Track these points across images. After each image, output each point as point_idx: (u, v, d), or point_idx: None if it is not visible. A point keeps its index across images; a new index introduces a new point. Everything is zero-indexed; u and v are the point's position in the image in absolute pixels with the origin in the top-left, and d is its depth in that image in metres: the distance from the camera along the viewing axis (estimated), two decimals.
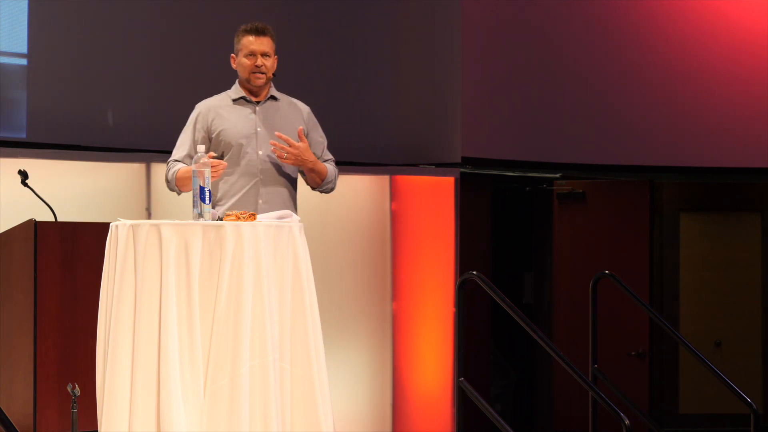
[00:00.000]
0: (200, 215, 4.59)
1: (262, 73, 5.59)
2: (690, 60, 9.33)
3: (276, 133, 5.51)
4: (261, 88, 5.64)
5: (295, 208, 5.64)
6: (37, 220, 5.46)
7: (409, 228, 8.31)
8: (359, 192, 8.14)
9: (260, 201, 5.52)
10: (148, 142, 7.41)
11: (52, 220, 5.70)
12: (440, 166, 8.56)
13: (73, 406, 5.14)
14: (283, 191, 5.62)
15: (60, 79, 7.30)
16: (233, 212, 4.63)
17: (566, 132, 9.14)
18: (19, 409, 5.42)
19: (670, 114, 9.31)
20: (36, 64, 7.25)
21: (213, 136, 5.59)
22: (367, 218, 8.09)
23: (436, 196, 8.43)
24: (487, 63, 8.86)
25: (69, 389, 5.15)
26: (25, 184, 5.81)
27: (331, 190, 5.77)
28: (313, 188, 5.73)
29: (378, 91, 8.56)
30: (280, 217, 4.76)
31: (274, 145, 5.48)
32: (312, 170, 5.59)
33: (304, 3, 8.16)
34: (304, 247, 4.69)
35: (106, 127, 7.46)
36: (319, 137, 5.76)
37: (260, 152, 5.55)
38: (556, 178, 9.36)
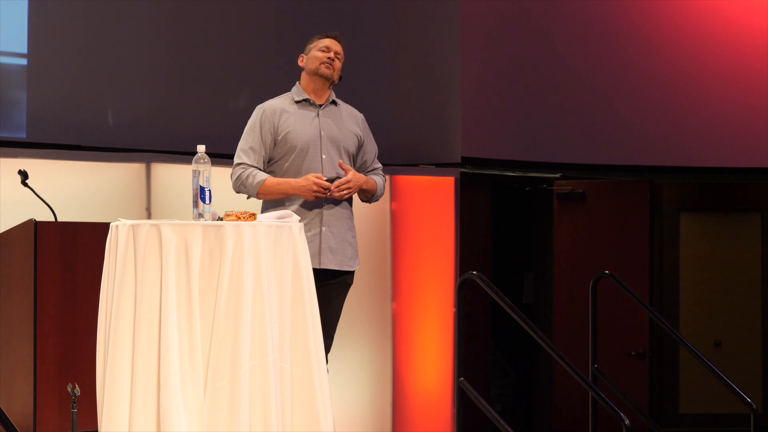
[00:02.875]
0: (200, 215, 4.59)
1: (331, 66, 5.69)
2: (690, 60, 9.33)
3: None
4: (324, 87, 5.72)
5: (351, 208, 5.77)
6: (37, 220, 5.46)
7: (409, 228, 8.31)
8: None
9: (325, 204, 5.59)
10: (148, 142, 7.41)
11: (52, 220, 5.69)
12: (440, 166, 8.56)
13: (73, 406, 5.14)
14: None
15: (60, 79, 7.30)
16: (233, 212, 4.63)
17: (566, 132, 9.14)
18: (19, 409, 5.42)
19: (670, 114, 9.31)
20: (36, 64, 7.25)
21: (279, 138, 5.64)
22: (367, 218, 8.09)
23: (436, 196, 8.43)
24: (488, 63, 8.86)
25: (69, 389, 5.15)
26: (25, 184, 5.81)
27: (379, 198, 5.91)
28: (364, 201, 5.84)
29: (378, 91, 8.56)
30: (280, 217, 4.76)
31: (338, 188, 5.58)
32: (363, 191, 5.75)
33: (304, 3, 8.16)
34: (304, 247, 4.69)
35: (106, 127, 7.46)
36: (371, 145, 5.86)
37: (324, 156, 5.60)
38: (556, 178, 9.36)
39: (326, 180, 5.58)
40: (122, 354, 4.41)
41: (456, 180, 8.46)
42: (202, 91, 7.76)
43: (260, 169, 5.62)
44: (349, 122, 5.81)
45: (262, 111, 5.69)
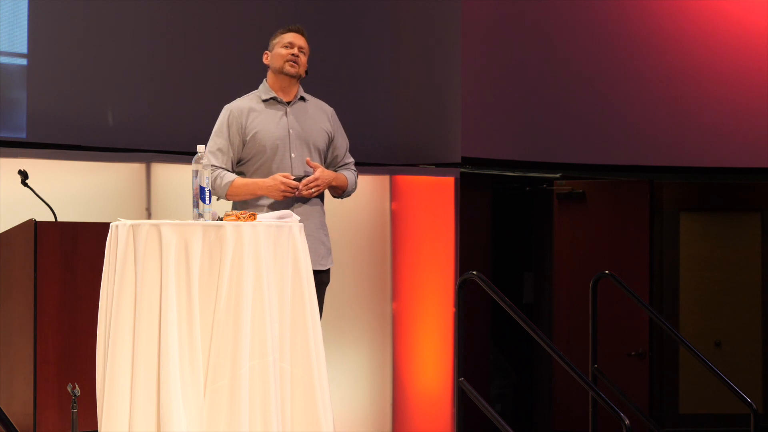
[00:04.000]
0: (200, 215, 4.59)
1: (296, 63, 5.65)
2: (690, 60, 9.33)
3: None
4: (291, 84, 5.67)
5: (322, 205, 5.74)
6: (37, 220, 5.46)
7: (409, 228, 8.31)
8: (359, 192, 8.08)
9: (295, 203, 5.58)
10: (148, 142, 7.41)
11: (52, 220, 5.69)
12: (440, 166, 8.56)
13: (73, 406, 5.14)
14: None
15: (60, 79, 7.30)
16: (233, 212, 4.63)
17: (566, 132, 9.15)
18: (19, 409, 5.42)
19: (670, 114, 9.31)
20: (36, 64, 7.25)
21: (248, 138, 5.61)
22: (367, 218, 8.09)
23: (436, 196, 8.43)
24: (487, 63, 8.86)
25: (69, 389, 5.15)
26: (25, 184, 5.81)
27: (351, 194, 5.86)
28: (335, 197, 5.80)
29: (378, 91, 8.56)
30: (280, 217, 4.76)
31: (306, 186, 5.54)
32: (334, 187, 5.72)
33: (304, 2, 8.16)
34: (304, 247, 4.69)
35: (106, 127, 7.46)
36: (342, 140, 5.82)
37: (293, 154, 5.58)
38: (556, 178, 9.36)
39: (295, 178, 5.55)
40: (122, 354, 4.41)
41: (456, 180, 8.46)
42: (202, 91, 7.76)
43: (228, 171, 5.60)
44: (318, 118, 5.76)
45: (230, 112, 5.65)
